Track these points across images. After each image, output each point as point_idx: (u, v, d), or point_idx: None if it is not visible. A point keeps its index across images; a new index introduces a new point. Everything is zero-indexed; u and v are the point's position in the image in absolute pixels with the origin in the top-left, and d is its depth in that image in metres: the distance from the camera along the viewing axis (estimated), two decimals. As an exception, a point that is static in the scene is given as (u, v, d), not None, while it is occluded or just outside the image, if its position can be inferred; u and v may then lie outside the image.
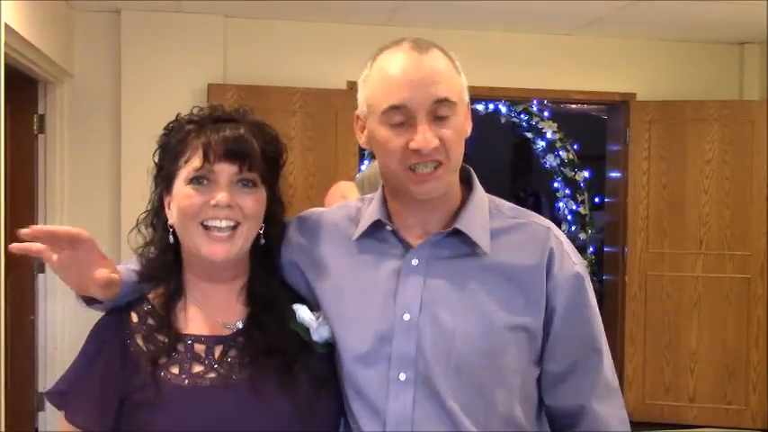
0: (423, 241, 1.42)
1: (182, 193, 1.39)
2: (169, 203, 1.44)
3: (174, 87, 4.65)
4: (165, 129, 1.47)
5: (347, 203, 1.60)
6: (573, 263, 1.43)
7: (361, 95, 1.44)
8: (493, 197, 1.51)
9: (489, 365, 1.37)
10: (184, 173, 1.39)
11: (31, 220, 4.56)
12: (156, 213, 1.48)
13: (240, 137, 1.40)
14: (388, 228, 1.44)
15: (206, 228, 1.39)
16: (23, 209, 4.47)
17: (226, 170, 1.38)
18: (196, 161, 1.38)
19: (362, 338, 1.40)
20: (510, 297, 1.39)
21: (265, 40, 4.97)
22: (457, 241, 1.41)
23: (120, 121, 4.70)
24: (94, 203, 4.72)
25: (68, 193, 4.71)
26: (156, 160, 1.47)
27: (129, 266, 1.48)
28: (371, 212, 1.46)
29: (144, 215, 1.48)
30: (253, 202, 1.41)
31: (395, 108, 1.35)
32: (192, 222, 1.39)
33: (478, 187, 1.49)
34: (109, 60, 4.76)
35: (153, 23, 4.77)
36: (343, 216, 1.54)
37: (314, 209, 1.63)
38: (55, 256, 1.34)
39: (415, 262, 1.41)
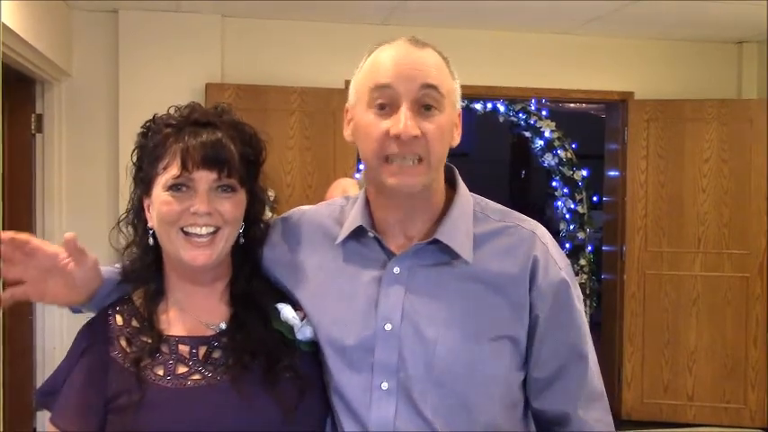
0: (404, 251, 1.40)
1: (160, 200, 1.39)
2: (149, 206, 1.44)
3: (171, 87, 4.64)
4: (142, 127, 1.47)
5: (333, 201, 1.58)
6: (558, 269, 1.41)
7: (352, 86, 1.44)
8: (479, 198, 1.48)
9: (471, 376, 1.36)
10: (163, 179, 1.39)
11: (29, 219, 4.56)
12: (137, 214, 1.48)
13: (218, 142, 1.40)
14: (370, 234, 1.42)
15: (186, 234, 1.39)
16: (21, 208, 4.46)
17: (204, 177, 1.38)
18: (174, 169, 1.37)
19: (345, 346, 1.39)
20: (493, 307, 1.37)
21: (263, 40, 4.96)
22: (439, 249, 1.39)
23: (117, 120, 4.70)
24: (92, 203, 4.71)
25: (66, 193, 4.71)
26: (134, 160, 1.47)
27: (113, 269, 1.49)
28: (354, 217, 1.45)
29: (124, 215, 1.49)
30: (232, 207, 1.41)
31: (380, 87, 1.34)
32: (172, 229, 1.39)
33: (462, 189, 1.47)
34: (107, 60, 4.76)
35: (151, 23, 4.76)
36: (326, 216, 1.53)
37: (298, 208, 1.61)
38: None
39: (396, 270, 1.40)
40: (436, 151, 1.35)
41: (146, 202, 1.44)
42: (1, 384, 3.42)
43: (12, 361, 3.86)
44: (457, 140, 1.42)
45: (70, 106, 4.71)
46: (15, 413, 4.05)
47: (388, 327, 1.36)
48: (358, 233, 1.44)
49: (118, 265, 1.50)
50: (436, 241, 1.39)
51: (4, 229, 3.42)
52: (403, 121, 1.31)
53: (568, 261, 1.47)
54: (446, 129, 1.37)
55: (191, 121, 1.42)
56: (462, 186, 1.47)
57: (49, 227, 4.63)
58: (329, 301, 1.43)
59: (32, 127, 4.58)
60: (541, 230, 1.45)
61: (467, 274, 1.38)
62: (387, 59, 1.37)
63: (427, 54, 1.37)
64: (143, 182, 1.44)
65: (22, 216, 4.47)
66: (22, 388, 4.36)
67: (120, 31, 4.74)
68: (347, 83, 5.24)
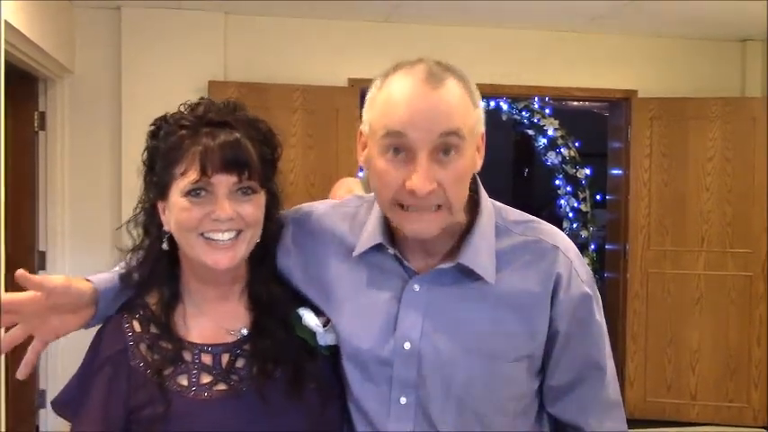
0: (426, 273, 1.37)
1: (179, 206, 1.34)
2: (163, 209, 1.39)
3: (174, 84, 4.64)
4: (153, 125, 1.41)
5: (344, 203, 1.54)
6: (580, 282, 1.38)
7: (365, 114, 1.35)
8: (500, 207, 1.44)
9: (488, 396, 1.35)
10: (180, 185, 1.33)
11: (32, 217, 4.56)
12: (149, 217, 1.42)
13: (237, 143, 1.34)
14: (390, 252, 1.39)
15: (206, 239, 1.34)
16: (24, 206, 4.46)
17: (224, 181, 1.33)
18: (193, 174, 1.32)
19: (363, 360, 1.38)
20: (514, 328, 1.35)
21: (266, 38, 4.95)
22: (461, 270, 1.36)
23: (120, 117, 4.70)
24: (95, 200, 4.71)
25: (69, 191, 4.70)
26: (146, 162, 1.41)
27: (109, 274, 1.45)
28: (372, 232, 1.40)
29: (133, 217, 1.43)
30: (253, 209, 1.37)
31: (394, 134, 1.25)
32: (192, 234, 1.34)
33: (484, 201, 1.41)
34: (109, 57, 4.75)
35: (153, 20, 4.76)
36: (340, 221, 1.48)
37: (309, 205, 1.57)
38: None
39: (416, 288, 1.37)
40: (455, 197, 1.29)
41: (160, 206, 1.39)
42: (3, 382, 3.42)
43: (14, 359, 3.85)
44: (479, 165, 1.36)
45: (73, 104, 4.71)
46: (18, 412, 4.05)
47: (407, 345, 1.35)
48: (376, 247, 1.40)
49: (116, 269, 1.46)
50: (459, 263, 1.35)
51: (6, 227, 3.41)
52: (419, 176, 1.23)
53: (591, 273, 1.45)
54: (466, 170, 1.30)
55: (205, 120, 1.36)
56: (484, 198, 1.42)
57: (52, 224, 4.63)
58: (347, 313, 1.41)
59: (35, 124, 4.58)
60: (565, 243, 1.41)
61: (488, 294, 1.36)
62: (401, 101, 1.25)
63: (446, 92, 1.26)
64: (157, 186, 1.38)
65: (25, 214, 4.47)
66: (25, 386, 4.36)
67: (122, 28, 4.73)
68: (350, 81, 5.21)
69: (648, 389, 5.24)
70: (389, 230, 1.39)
